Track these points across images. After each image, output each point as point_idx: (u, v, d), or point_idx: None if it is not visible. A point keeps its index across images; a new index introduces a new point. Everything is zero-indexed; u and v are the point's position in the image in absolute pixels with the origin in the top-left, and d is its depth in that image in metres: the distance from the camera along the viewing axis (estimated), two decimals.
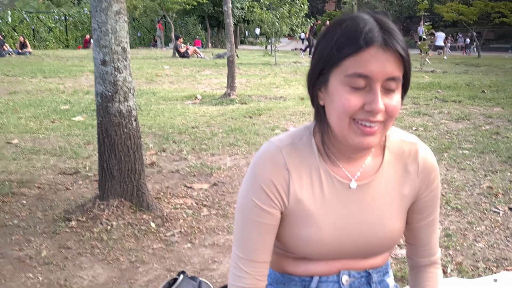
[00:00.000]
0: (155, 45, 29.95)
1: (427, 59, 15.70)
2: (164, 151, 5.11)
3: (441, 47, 22.75)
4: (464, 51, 28.24)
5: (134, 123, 3.31)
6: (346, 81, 1.00)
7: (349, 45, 0.98)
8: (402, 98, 1.05)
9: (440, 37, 22.40)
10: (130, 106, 3.29)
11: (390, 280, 1.32)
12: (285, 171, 1.12)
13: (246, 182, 1.15)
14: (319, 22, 20.31)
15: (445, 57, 20.87)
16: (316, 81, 1.07)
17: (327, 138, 1.12)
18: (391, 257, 2.67)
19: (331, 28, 1.04)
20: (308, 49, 22.96)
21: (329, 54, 1.01)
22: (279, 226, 1.16)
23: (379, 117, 1.01)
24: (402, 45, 0.99)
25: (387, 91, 1.00)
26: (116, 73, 3.23)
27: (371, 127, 1.01)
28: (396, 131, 1.20)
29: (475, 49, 26.46)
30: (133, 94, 3.33)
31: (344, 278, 1.21)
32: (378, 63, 0.97)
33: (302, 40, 33.87)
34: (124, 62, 3.27)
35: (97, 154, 3.39)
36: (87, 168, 4.45)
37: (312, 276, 1.22)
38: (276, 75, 13.29)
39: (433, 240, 1.28)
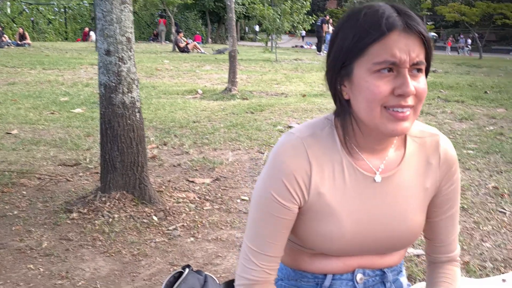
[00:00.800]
0: (155, 39, 29.85)
1: None
2: (165, 144, 5.06)
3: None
4: (457, 52, 28.27)
5: (137, 114, 3.26)
6: (373, 68, 0.97)
7: (372, 32, 0.96)
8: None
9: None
10: (133, 98, 3.24)
11: (403, 279, 1.29)
12: (307, 163, 1.07)
13: (266, 174, 1.10)
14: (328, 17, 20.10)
15: None
16: (338, 75, 1.03)
17: (351, 132, 1.08)
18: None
19: (348, 19, 1.02)
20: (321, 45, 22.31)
21: (351, 44, 0.99)
22: (298, 221, 1.12)
23: (410, 101, 0.98)
24: (423, 26, 0.98)
25: (414, 74, 0.99)
26: (120, 63, 3.18)
27: (403, 112, 0.99)
28: (416, 123, 1.16)
29: (469, 50, 26.47)
30: (137, 86, 3.28)
31: (359, 277, 1.18)
32: (402, 47, 0.96)
33: (303, 37, 33.81)
34: (129, 52, 3.22)
35: (97, 146, 3.35)
36: (88, 160, 4.39)
37: (326, 273, 1.18)
38: (277, 71, 13.24)
39: (452, 236, 1.24)
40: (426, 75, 1.04)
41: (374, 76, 0.97)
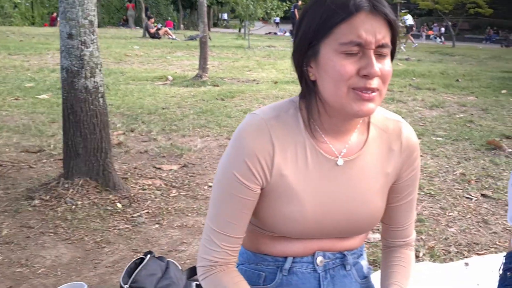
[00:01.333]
0: (125, 25, 29.34)
1: (402, 47, 15.81)
2: (132, 131, 4.99)
3: (411, 27, 22.25)
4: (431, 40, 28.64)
5: (101, 100, 3.20)
6: (339, 49, 0.97)
7: (339, 12, 0.96)
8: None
9: (409, 18, 21.51)
10: (97, 82, 3.17)
11: (364, 262, 1.30)
12: (270, 144, 1.07)
13: (228, 154, 1.09)
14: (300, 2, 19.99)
15: (415, 44, 20.77)
16: (305, 56, 1.03)
17: (316, 114, 1.08)
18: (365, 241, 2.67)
19: (316, 0, 1.02)
20: None
21: (318, 24, 0.99)
22: (260, 203, 1.12)
23: (375, 83, 0.99)
24: (389, 9, 0.99)
25: (379, 56, 0.99)
26: (82, 47, 3.10)
27: (369, 93, 0.99)
28: (379, 109, 1.16)
29: (441, 42, 26.85)
30: (100, 70, 3.21)
31: (319, 259, 1.18)
32: (369, 28, 0.96)
33: (277, 23, 33.71)
34: (91, 36, 3.15)
35: (62, 133, 3.27)
36: (52, 146, 4.30)
37: (286, 256, 1.18)
38: (249, 58, 13.19)
39: (409, 221, 1.25)
40: (392, 58, 1.04)
41: (340, 57, 0.97)
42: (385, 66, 0.99)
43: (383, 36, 0.98)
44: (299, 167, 1.09)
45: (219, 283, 1.11)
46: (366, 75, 0.97)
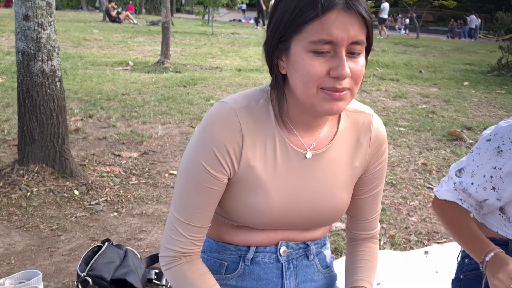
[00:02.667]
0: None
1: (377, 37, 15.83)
2: (90, 117, 4.87)
3: (384, 20, 21.65)
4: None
5: (58, 84, 3.10)
6: (309, 47, 0.93)
7: (310, 9, 0.92)
8: (366, 61, 1.01)
9: (386, 9, 21.25)
10: (54, 66, 3.07)
11: (327, 252, 1.30)
12: (239, 135, 1.04)
13: (196, 143, 1.06)
14: None
15: (380, 37, 20.92)
16: (276, 49, 0.99)
17: (285, 107, 1.05)
18: None
19: None
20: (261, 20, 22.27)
21: (289, 19, 0.94)
22: (225, 192, 1.10)
23: (345, 83, 0.96)
24: (365, 6, 0.94)
25: (352, 54, 0.95)
26: (39, 29, 2.99)
27: (339, 93, 0.96)
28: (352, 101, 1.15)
29: (405, 33, 27.32)
30: (57, 53, 3.11)
31: (282, 249, 1.17)
32: (341, 26, 0.92)
33: (243, 10, 33.44)
34: (49, 18, 3.04)
35: (17, 117, 3.16)
36: (6, 131, 4.16)
37: (249, 245, 1.17)
38: (213, 45, 13.07)
39: (375, 213, 1.25)
40: (368, 54, 1.01)
41: (310, 55, 0.94)
42: (357, 65, 0.96)
43: (356, 33, 0.94)
44: (268, 159, 1.07)
45: (183, 275, 1.09)
46: (336, 77, 0.94)
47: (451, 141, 4.73)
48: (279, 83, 1.03)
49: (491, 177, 1.32)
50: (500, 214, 1.41)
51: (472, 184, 1.36)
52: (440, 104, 6.59)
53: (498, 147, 1.31)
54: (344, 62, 0.93)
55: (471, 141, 4.73)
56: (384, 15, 21.29)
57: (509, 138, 1.29)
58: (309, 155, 1.09)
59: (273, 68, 1.03)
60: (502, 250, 1.27)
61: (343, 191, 1.15)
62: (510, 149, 1.29)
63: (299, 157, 1.09)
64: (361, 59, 0.97)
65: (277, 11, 0.98)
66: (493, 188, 1.33)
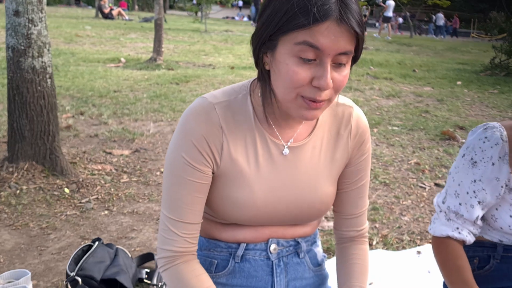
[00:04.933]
0: (77, 3, 28.38)
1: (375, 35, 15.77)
2: (82, 114, 4.83)
3: (389, 19, 21.02)
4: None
5: (48, 81, 3.06)
6: (295, 51, 0.91)
7: (302, 17, 0.89)
8: (350, 69, 0.99)
9: (391, 7, 20.52)
10: (44, 63, 3.04)
11: (318, 249, 1.29)
12: (219, 129, 1.04)
13: (176, 137, 1.06)
14: None
15: (388, 37, 20.51)
16: (263, 45, 0.98)
17: (268, 100, 1.05)
18: (318, 229, 2.68)
19: None
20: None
21: (280, 21, 0.92)
22: (210, 188, 1.09)
23: (325, 95, 0.95)
24: (358, 18, 0.92)
25: (337, 65, 0.94)
26: (30, 25, 2.96)
27: (317, 103, 0.95)
28: None
29: (398, 29, 27.47)
30: (48, 50, 3.07)
31: (272, 247, 1.17)
32: (331, 37, 0.90)
33: (240, 7, 33.33)
34: (40, 14, 3.00)
35: (7, 114, 3.12)
36: None
37: (240, 242, 1.16)
38: (206, 42, 13.03)
39: (361, 208, 1.24)
40: (354, 63, 0.99)
41: (295, 61, 0.92)
42: (340, 75, 0.95)
43: (345, 45, 0.92)
44: (249, 154, 1.07)
45: (180, 276, 1.08)
46: (317, 87, 0.93)
47: (444, 140, 4.74)
48: (265, 77, 1.03)
49: (474, 192, 1.31)
50: (483, 222, 1.41)
51: (460, 204, 1.34)
52: (434, 103, 6.60)
53: (472, 158, 1.30)
54: (328, 73, 0.92)
55: (463, 140, 4.74)
56: (389, 13, 20.72)
57: (480, 147, 1.29)
58: (286, 151, 1.10)
59: (259, 62, 1.02)
60: None
61: (326, 184, 1.14)
62: (483, 158, 1.29)
63: (278, 151, 1.09)
64: (346, 70, 0.96)
65: (269, 8, 0.96)
66: (479, 203, 1.32)
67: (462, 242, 1.37)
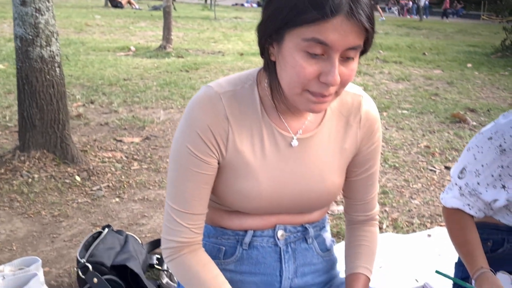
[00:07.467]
0: None
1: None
2: (92, 103, 4.85)
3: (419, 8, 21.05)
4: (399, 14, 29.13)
5: (57, 69, 3.08)
6: (303, 46, 0.89)
7: (311, 12, 0.86)
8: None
9: None
10: (53, 52, 3.05)
11: (327, 234, 1.28)
12: (225, 120, 1.02)
13: (181, 127, 1.04)
14: None
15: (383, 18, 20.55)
16: (269, 36, 0.95)
17: (275, 91, 1.02)
18: (327, 213, 2.67)
19: None
20: None
21: (288, 15, 0.89)
22: (216, 178, 1.08)
23: (332, 89, 0.93)
24: (368, 12, 0.89)
25: (345, 59, 0.92)
26: (37, 14, 2.96)
27: (324, 97, 0.94)
28: None
29: (391, 9, 27.48)
30: (56, 39, 3.08)
31: (280, 233, 1.16)
32: (340, 33, 0.87)
33: None
34: (47, 3, 3.01)
35: (17, 103, 3.14)
36: (7, 118, 4.15)
37: (247, 230, 1.15)
38: (215, 29, 12.99)
39: (371, 194, 1.23)
40: (362, 55, 0.97)
41: (302, 55, 0.90)
42: (348, 70, 0.93)
43: (354, 40, 0.89)
44: (255, 144, 1.05)
45: (187, 266, 1.08)
46: (324, 82, 0.91)
47: (454, 123, 4.69)
48: (270, 68, 1.00)
49: (500, 175, 1.29)
50: (504, 207, 1.39)
51: (479, 184, 1.32)
52: (443, 86, 6.53)
53: (500, 145, 1.27)
54: (336, 69, 0.89)
55: (474, 123, 4.69)
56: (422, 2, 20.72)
57: (510, 136, 1.26)
58: (295, 142, 1.07)
59: (264, 52, 1.00)
60: (490, 270, 1.25)
61: (334, 174, 1.12)
62: None
63: (286, 143, 1.07)
64: (354, 64, 0.94)
65: (275, 1, 0.93)
66: (503, 187, 1.30)
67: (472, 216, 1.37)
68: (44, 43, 3.00)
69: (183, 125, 1.04)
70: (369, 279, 1.18)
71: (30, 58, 2.98)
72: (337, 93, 0.97)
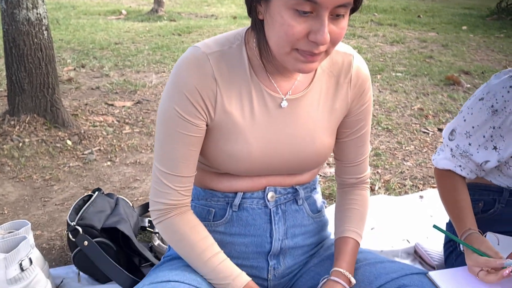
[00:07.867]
0: None
1: None
2: (83, 67, 4.78)
3: None
4: None
5: (45, 32, 3.01)
6: (291, 3, 0.86)
7: None
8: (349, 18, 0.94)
9: None
10: (40, 14, 2.97)
11: (317, 196, 1.27)
12: (213, 80, 1.00)
13: (168, 89, 1.02)
14: None
15: None
16: None
17: (263, 51, 1.00)
18: (319, 175, 2.67)
19: None
20: None
21: None
22: (204, 140, 1.06)
23: (322, 48, 0.90)
24: None
25: (335, 16, 0.89)
26: None
27: (314, 56, 0.91)
28: None
29: None
30: (43, 1, 3.00)
31: (270, 195, 1.15)
32: None
33: None
34: None
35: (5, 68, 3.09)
36: None
37: (236, 192, 1.14)
38: None
39: (362, 156, 1.22)
40: (352, 13, 0.94)
41: (290, 14, 0.87)
42: (338, 28, 0.90)
43: None
44: (244, 106, 1.04)
45: (176, 228, 1.08)
46: (313, 41, 0.88)
47: (448, 85, 4.66)
48: (258, 27, 0.98)
49: (491, 136, 1.28)
50: (495, 168, 1.39)
51: (470, 144, 1.31)
52: (438, 49, 6.46)
53: (492, 106, 1.25)
54: (325, 28, 0.87)
55: (468, 85, 4.66)
56: None
57: (503, 97, 1.24)
58: (284, 103, 1.05)
59: (252, 11, 0.97)
60: (478, 231, 1.24)
61: (324, 135, 1.11)
62: (504, 108, 1.24)
63: (276, 103, 1.05)
64: (344, 22, 0.91)
65: None
66: (495, 148, 1.29)
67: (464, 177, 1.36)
68: (31, 5, 2.92)
69: (170, 87, 1.01)
70: (358, 243, 1.18)
71: (17, 21, 2.91)
72: (327, 52, 0.94)
